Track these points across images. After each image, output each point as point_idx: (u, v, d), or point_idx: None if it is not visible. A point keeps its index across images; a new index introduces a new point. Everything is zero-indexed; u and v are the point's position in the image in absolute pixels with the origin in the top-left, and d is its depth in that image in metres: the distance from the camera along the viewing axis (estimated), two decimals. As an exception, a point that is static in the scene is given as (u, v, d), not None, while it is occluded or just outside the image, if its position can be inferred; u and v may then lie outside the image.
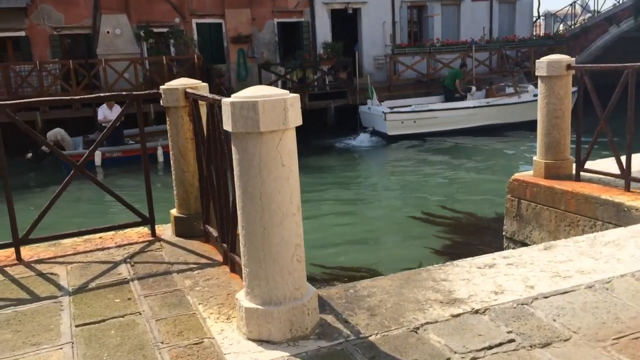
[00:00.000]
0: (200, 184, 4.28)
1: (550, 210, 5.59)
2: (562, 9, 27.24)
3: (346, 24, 21.98)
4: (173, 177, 4.42)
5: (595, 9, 22.81)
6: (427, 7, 22.93)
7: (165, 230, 4.50)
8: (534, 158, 5.94)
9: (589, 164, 5.59)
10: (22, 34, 18.31)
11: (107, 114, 14.64)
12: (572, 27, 23.83)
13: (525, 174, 6.04)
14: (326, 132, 18.50)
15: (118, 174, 13.61)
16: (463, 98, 18.22)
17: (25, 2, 17.87)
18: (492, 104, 17.42)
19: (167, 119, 4.34)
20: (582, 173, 5.57)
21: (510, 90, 18.19)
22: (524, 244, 6.00)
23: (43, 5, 18.29)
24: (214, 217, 4.05)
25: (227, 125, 2.67)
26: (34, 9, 18.19)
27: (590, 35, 22.29)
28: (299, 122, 2.69)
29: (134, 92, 4.24)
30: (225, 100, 2.65)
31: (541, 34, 25.35)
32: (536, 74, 5.74)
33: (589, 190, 5.23)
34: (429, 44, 21.44)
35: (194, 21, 20.00)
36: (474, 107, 17.46)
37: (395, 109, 17.45)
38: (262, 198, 2.64)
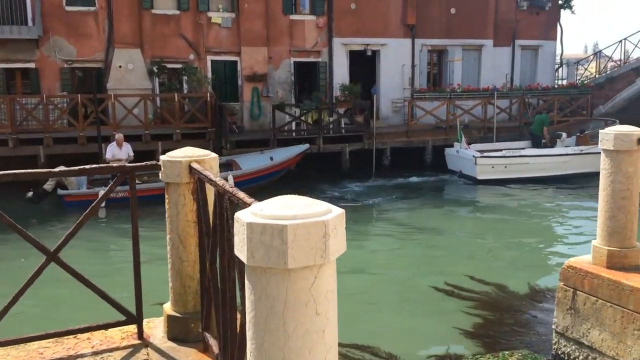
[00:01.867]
0: (201, 279, 3.47)
1: (615, 308, 4.71)
2: (585, 57, 26.67)
3: (364, 65, 21.47)
4: (169, 266, 3.62)
5: (622, 58, 22.16)
6: (447, 52, 22.41)
7: (156, 330, 3.68)
8: (593, 243, 5.10)
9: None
10: (32, 65, 17.86)
11: (116, 152, 14.01)
12: (597, 76, 23.18)
13: (583, 260, 5.18)
14: (341, 177, 17.78)
15: (122, 217, 12.89)
16: (551, 144, 17.91)
17: (37, 34, 17.47)
18: (585, 151, 16.84)
19: (166, 196, 3.56)
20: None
21: None
22: (579, 343, 5.11)
23: (55, 37, 17.90)
24: (214, 326, 3.24)
25: (241, 252, 1.88)
26: (46, 40, 17.79)
27: (615, 86, 21.62)
28: (344, 248, 1.90)
29: (128, 165, 3.47)
30: (241, 218, 1.86)
31: (564, 82, 24.72)
32: (600, 146, 4.95)
33: (667, 290, 4.37)
34: (449, 89, 20.81)
35: (209, 58, 19.54)
36: (567, 154, 17.12)
37: (485, 153, 17.18)
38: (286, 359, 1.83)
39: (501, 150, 17.90)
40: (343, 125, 18.76)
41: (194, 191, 3.48)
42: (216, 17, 19.49)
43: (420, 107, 19.41)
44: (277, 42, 20.12)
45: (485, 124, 19.66)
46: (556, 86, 23.56)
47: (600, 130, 4.99)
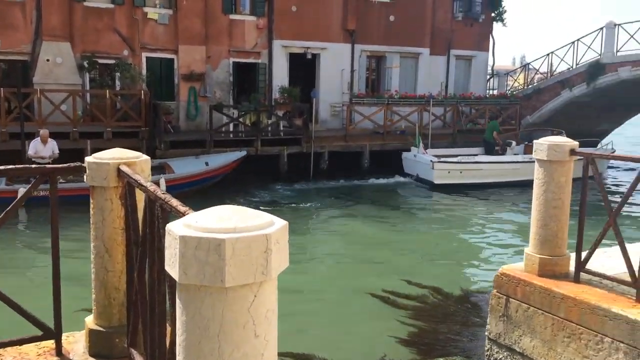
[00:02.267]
0: (128, 291, 3.24)
1: (546, 315, 4.82)
2: (514, 69, 27.76)
3: (304, 69, 21.43)
4: (92, 276, 3.37)
5: (549, 71, 23.19)
6: (386, 58, 22.72)
7: (76, 345, 3.42)
8: (526, 251, 5.20)
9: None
10: (-50, 56, 16.71)
11: (40, 149, 13.28)
12: (525, 87, 24.16)
13: (516, 268, 5.27)
14: (279, 179, 17.62)
15: (45, 219, 12.18)
16: (503, 150, 18.77)
17: (-44, 22, 16.35)
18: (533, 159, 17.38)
19: (92, 201, 3.31)
20: (582, 273, 4.86)
21: None
22: (511, 350, 5.20)
23: (-23, 26, 16.80)
24: (142, 342, 3.02)
25: (172, 268, 1.71)
26: (-33, 29, 16.68)
27: (542, 97, 22.58)
28: (286, 263, 1.77)
29: (48, 166, 3.19)
30: (173, 230, 1.69)
31: (494, 92, 25.64)
32: (534, 156, 5.06)
33: (595, 298, 4.50)
34: (387, 95, 21.09)
35: (144, 55, 18.90)
36: (517, 162, 17.90)
37: (442, 159, 17.72)
38: (221, 384, 1.68)
39: (456, 156, 18.49)
40: (282, 128, 18.61)
41: (122, 196, 3.25)
42: (152, 12, 18.89)
43: (358, 112, 19.55)
44: (216, 42, 19.73)
45: (421, 131, 20.02)
46: (487, 96, 24.41)
47: (535, 141, 5.10)
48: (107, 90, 16.48)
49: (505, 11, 24.78)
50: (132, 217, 3.07)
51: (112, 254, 3.29)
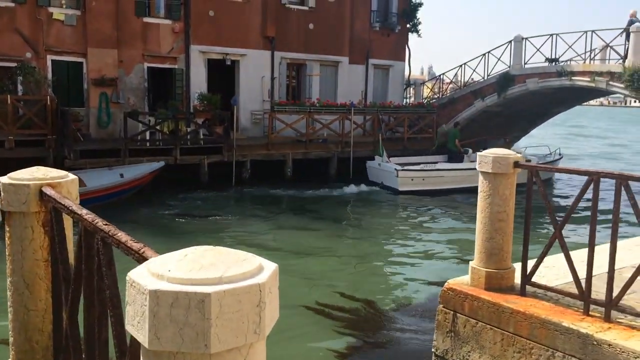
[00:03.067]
0: (55, 335, 2.77)
1: (495, 330, 4.74)
2: (429, 80, 28.61)
3: (223, 75, 20.87)
4: (10, 316, 2.86)
5: (462, 80, 24.04)
6: (306, 66, 22.62)
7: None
8: (472, 264, 5.13)
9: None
10: None
11: None
12: (439, 96, 24.92)
13: (462, 282, 5.18)
14: (200, 188, 16.95)
15: None
16: (460, 158, 19.97)
17: None
18: None
19: (7, 228, 2.81)
20: (527, 286, 4.84)
21: None
22: (459, 366, 5.09)
23: None
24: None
25: (138, 330, 1.34)
26: None
27: (457, 106, 23.36)
28: (277, 315, 1.44)
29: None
30: (138, 282, 1.32)
31: (411, 101, 26.26)
32: (478, 169, 5.00)
33: (545, 312, 4.46)
34: (309, 103, 20.96)
35: (50, 58, 17.60)
36: (474, 168, 17.75)
37: (406, 167, 18.67)
38: None
39: (419, 164, 19.59)
40: (201, 137, 17.95)
41: (45, 223, 2.77)
42: (58, 12, 17.67)
43: (280, 120, 19.26)
44: (129, 45, 18.76)
45: (343, 139, 20.08)
46: (405, 104, 24.95)
47: (478, 154, 5.05)
48: (8, 95, 15.12)
49: (419, 22, 25.48)
50: (60, 247, 2.61)
51: (33, 291, 2.79)
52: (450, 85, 25.48)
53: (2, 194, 2.73)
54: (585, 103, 32.75)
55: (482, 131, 22.04)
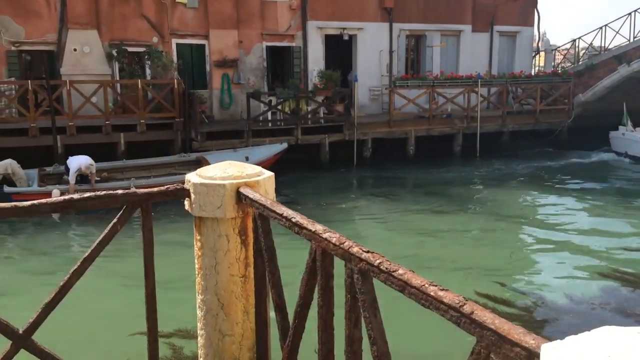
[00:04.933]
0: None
1: None
2: (564, 45, 26.14)
3: (340, 51, 20.25)
4: (200, 341, 2.39)
5: (602, 45, 21.64)
6: (426, 37, 21.40)
7: None
8: None
9: None
10: (-27, 47, 15.89)
11: (83, 166, 12.32)
12: (575, 64, 22.63)
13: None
14: (322, 168, 16.58)
15: (87, 222, 11.39)
16: None
17: (-22, 12, 15.51)
18: None
19: (197, 237, 2.31)
20: None
21: None
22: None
23: (1, 16, 15.94)
24: None
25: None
26: (-11, 19, 15.83)
27: (596, 73, 21.02)
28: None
29: (140, 191, 2.19)
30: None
31: (542, 70, 24.13)
32: None
33: None
34: (431, 76, 19.79)
35: (174, 41, 17.90)
36: None
37: None
38: None
39: None
40: (322, 115, 17.52)
41: (242, 230, 2.24)
42: (181, -4, 17.86)
43: (402, 96, 18.31)
44: (247, 25, 18.64)
45: (469, 113, 18.79)
46: (535, 73, 22.97)
47: None
48: (139, 80, 15.52)
49: (550, -18, 23.17)
50: (271, 266, 2.05)
51: (229, 312, 2.28)
52: (588, 52, 23.07)
53: (192, 196, 2.22)
54: None
55: (628, 101, 19.68)
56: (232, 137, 15.99)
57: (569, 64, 23.35)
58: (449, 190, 15.11)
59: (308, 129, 16.83)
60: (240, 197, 2.16)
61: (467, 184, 16.09)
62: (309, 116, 17.12)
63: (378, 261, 1.38)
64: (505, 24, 22.66)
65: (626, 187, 15.65)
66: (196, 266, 2.35)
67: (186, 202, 2.29)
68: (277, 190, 2.37)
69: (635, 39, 20.08)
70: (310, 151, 16.88)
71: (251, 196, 2.09)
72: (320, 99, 17.29)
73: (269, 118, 16.91)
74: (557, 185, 15.72)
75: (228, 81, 18.30)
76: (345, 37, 19.87)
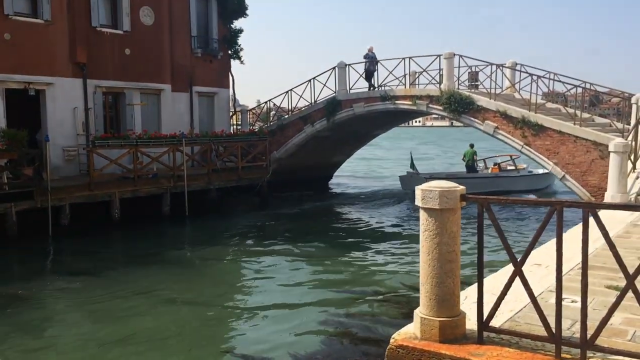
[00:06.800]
0: None
1: (462, 388, 4.14)
2: (254, 108, 28.20)
3: (26, 107, 17.95)
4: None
5: (290, 107, 24.00)
6: (125, 95, 20.57)
7: None
8: (419, 313, 4.48)
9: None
10: None
11: None
12: (269, 124, 24.58)
13: (410, 336, 4.50)
14: (6, 244, 14.09)
15: None
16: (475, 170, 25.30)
17: None
18: (499, 175, 25.13)
19: None
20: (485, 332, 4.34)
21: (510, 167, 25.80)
22: None
23: None
24: None
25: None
26: None
27: (287, 132, 23.20)
28: None
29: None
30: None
31: (239, 128, 25.50)
32: (422, 205, 4.39)
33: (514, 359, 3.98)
34: (134, 135, 18.96)
35: None
36: (488, 177, 24.91)
37: (434, 175, 23.52)
38: None
39: (443, 173, 26.08)
40: (5, 181, 15.04)
41: None
42: None
43: (102, 156, 17.03)
44: None
45: (176, 172, 18.52)
46: (234, 132, 24.13)
47: (420, 188, 4.45)
48: None
49: (241, 49, 24.99)
50: None
51: None
52: (275, 113, 25.34)
53: None
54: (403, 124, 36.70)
55: (310, 157, 22.17)
56: None
57: (261, 124, 25.25)
58: (158, 256, 14.00)
59: (-12, 198, 14.25)
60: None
61: (177, 246, 15.64)
62: (-11, 182, 14.53)
63: None
64: (204, 85, 23.44)
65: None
66: None
67: None
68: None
69: (317, 103, 22.85)
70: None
71: None
72: (3, 162, 14.88)
73: None
74: (265, 241, 15.66)
75: None
76: (32, 93, 17.75)
